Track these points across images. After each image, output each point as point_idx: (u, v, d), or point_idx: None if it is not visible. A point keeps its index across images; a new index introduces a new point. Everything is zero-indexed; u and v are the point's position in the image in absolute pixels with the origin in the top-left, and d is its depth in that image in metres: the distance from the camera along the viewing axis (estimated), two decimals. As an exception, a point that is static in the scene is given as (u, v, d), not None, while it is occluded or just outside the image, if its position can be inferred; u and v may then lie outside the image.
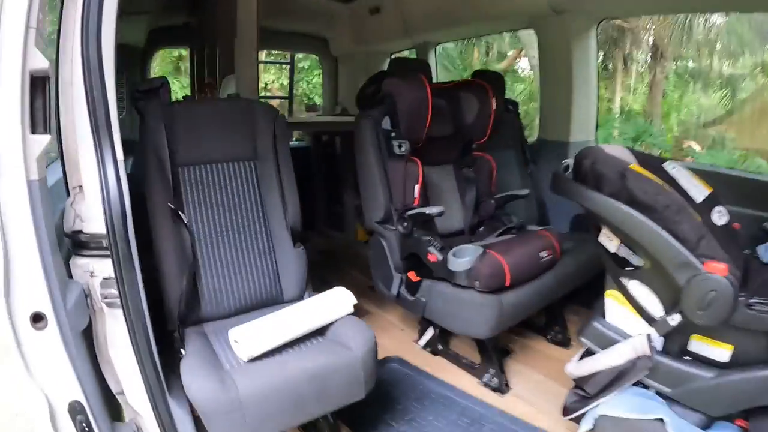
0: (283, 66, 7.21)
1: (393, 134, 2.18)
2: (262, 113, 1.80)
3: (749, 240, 1.70)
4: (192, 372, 1.35)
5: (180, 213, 1.59)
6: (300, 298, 1.77)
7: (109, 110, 1.16)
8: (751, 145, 8.31)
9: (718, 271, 1.20)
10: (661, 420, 1.26)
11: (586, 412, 1.37)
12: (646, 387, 1.38)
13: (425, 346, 2.31)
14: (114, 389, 1.34)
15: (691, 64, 9.35)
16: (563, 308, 2.40)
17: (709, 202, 1.47)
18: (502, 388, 2.02)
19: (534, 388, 2.05)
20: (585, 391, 1.40)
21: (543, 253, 2.05)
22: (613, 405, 1.32)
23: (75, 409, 1.17)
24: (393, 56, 4.07)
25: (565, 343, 2.35)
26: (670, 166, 1.52)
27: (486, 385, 2.05)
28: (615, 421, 1.31)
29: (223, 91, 2.35)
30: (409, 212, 2.09)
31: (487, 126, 2.39)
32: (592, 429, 1.36)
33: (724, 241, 1.34)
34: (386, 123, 2.19)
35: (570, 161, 1.57)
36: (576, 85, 2.80)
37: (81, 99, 1.15)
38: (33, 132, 1.08)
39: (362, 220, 2.84)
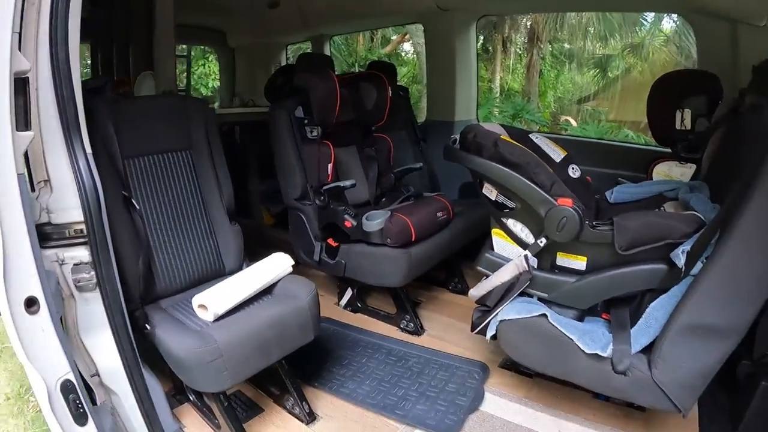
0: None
1: (306, 121, 2.53)
2: (195, 107, 2.05)
3: (604, 188, 2.26)
4: (170, 335, 1.59)
5: (133, 201, 1.77)
6: (239, 269, 2.04)
7: (77, 107, 1.32)
8: (620, 117, 9.62)
9: (566, 203, 1.71)
10: (545, 315, 1.74)
11: (489, 322, 1.84)
12: (530, 295, 1.87)
13: (346, 306, 2.73)
14: (85, 373, 1.45)
15: (566, 46, 10.46)
16: (459, 263, 2.92)
17: (565, 162, 1.98)
18: (418, 331, 2.48)
19: (444, 328, 2.54)
20: (486, 305, 1.86)
21: (439, 214, 2.54)
22: (508, 312, 1.80)
23: (67, 388, 1.29)
24: (288, 47, 4.37)
25: (464, 291, 2.86)
26: (533, 137, 2.02)
27: (404, 330, 2.51)
28: (511, 323, 1.79)
29: (138, 89, 2.49)
30: (326, 187, 2.48)
31: (384, 111, 2.81)
32: (495, 334, 1.83)
33: (578, 188, 1.86)
34: (299, 112, 2.54)
35: (456, 137, 2.02)
36: (459, 72, 3.32)
37: (47, 98, 1.28)
38: (18, 129, 1.20)
39: (268, 204, 3.20)
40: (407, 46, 10.82)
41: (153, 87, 2.44)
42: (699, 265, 1.58)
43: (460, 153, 1.93)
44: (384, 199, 2.86)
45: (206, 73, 8.51)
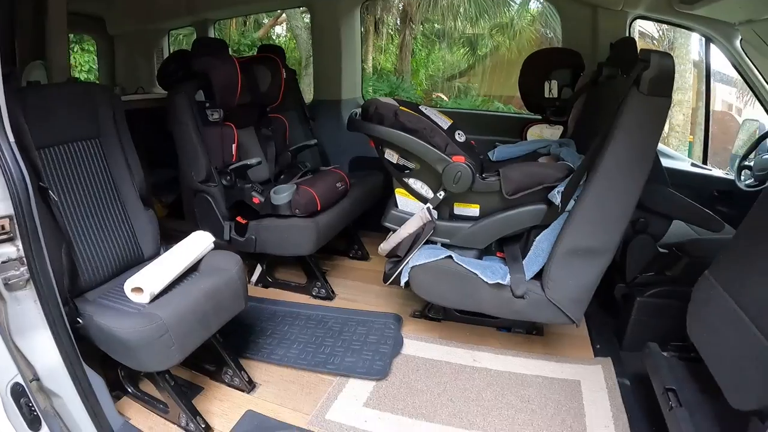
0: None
1: (207, 105, 2.63)
2: (101, 94, 2.07)
3: (486, 150, 2.64)
4: (112, 321, 1.61)
5: (50, 193, 1.74)
6: (158, 254, 2.07)
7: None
8: (489, 92, 10.50)
9: (459, 160, 2.07)
10: (450, 257, 2.09)
11: (402, 270, 2.14)
12: (434, 243, 2.22)
13: (257, 283, 2.88)
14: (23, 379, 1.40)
15: (437, 26, 11.09)
16: (357, 232, 3.22)
17: (452, 129, 2.31)
18: (330, 296, 2.73)
19: (353, 291, 2.82)
20: (397, 256, 2.16)
21: (338, 184, 2.80)
22: (418, 258, 2.12)
23: (17, 392, 1.28)
24: (171, 32, 4.34)
25: (365, 257, 3.19)
26: (422, 108, 2.33)
27: (317, 296, 2.74)
28: (422, 268, 2.11)
29: (26, 79, 2.41)
30: (232, 166, 2.62)
31: (279, 92, 3.00)
32: (408, 280, 2.13)
33: (465, 149, 2.20)
34: (200, 96, 2.63)
35: (358, 110, 2.31)
36: (344, 53, 3.57)
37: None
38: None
39: (159, 196, 3.24)
40: (279, 30, 10.94)
41: (45, 76, 2.37)
42: (572, 203, 2.00)
43: (364, 123, 2.21)
44: (283, 177, 3.05)
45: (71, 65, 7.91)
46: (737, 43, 2.83)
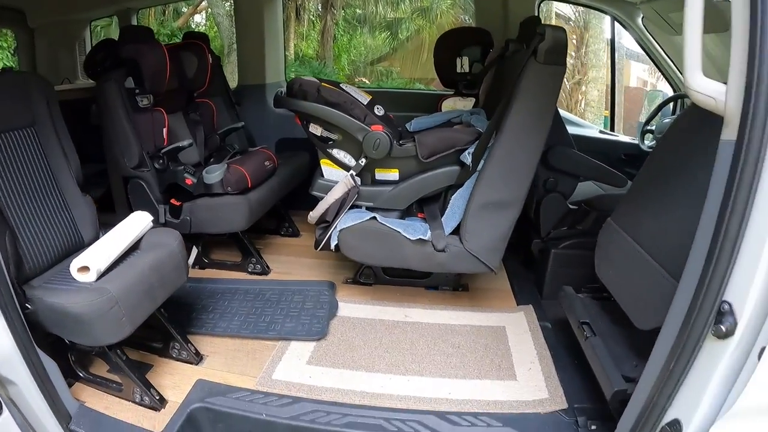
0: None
1: (137, 91, 2.71)
2: (35, 83, 2.08)
3: (403, 123, 2.85)
4: (63, 298, 1.64)
5: None
6: (97, 239, 2.08)
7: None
8: (411, 75, 10.84)
9: (378, 129, 2.30)
10: (375, 218, 2.32)
11: (331, 234, 2.33)
12: (359, 207, 2.43)
13: (194, 265, 2.96)
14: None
15: (358, 11, 11.31)
16: (287, 210, 3.38)
17: (371, 103, 2.50)
18: (265, 271, 2.88)
19: (286, 265, 2.97)
20: (326, 221, 2.36)
21: (267, 163, 2.95)
22: (345, 222, 2.32)
23: None
24: (92, 23, 4.33)
25: (296, 234, 3.37)
26: (343, 85, 2.51)
27: (252, 272, 2.88)
28: (349, 230, 2.32)
29: None
30: (164, 150, 2.71)
31: (206, 77, 3.11)
32: (337, 243, 2.33)
33: (384, 121, 2.42)
34: (129, 83, 2.70)
35: (283, 89, 2.50)
36: (268, 37, 3.70)
37: None
38: None
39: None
40: (198, 18, 10.93)
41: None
42: (482, 162, 2.26)
43: (289, 100, 2.40)
44: (212, 160, 3.15)
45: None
46: (639, 21, 3.24)
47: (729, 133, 1.07)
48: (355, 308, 2.51)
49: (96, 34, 5.20)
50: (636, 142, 3.52)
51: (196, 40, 3.20)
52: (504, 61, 2.76)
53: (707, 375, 1.15)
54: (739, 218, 1.05)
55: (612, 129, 4.25)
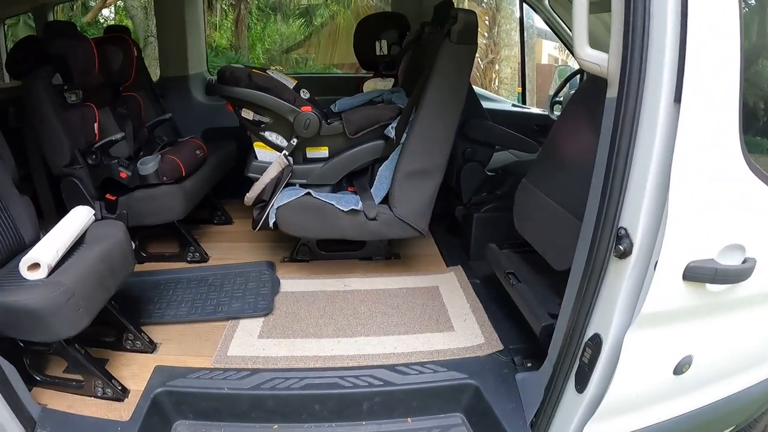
0: None
1: (65, 87, 2.67)
2: None
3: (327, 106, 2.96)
4: (17, 295, 1.61)
5: None
6: (38, 239, 2.00)
7: None
8: (327, 61, 10.89)
9: (307, 109, 2.44)
10: (309, 193, 2.46)
11: (269, 212, 2.44)
12: (293, 185, 2.56)
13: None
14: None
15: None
16: (218, 198, 3.42)
17: (297, 87, 2.62)
18: (204, 258, 2.91)
19: (223, 251, 3.02)
20: (263, 200, 2.47)
21: (197, 152, 2.98)
22: (281, 199, 2.45)
23: None
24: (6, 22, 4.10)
25: (229, 221, 3.41)
26: (269, 72, 2.62)
27: (192, 261, 2.90)
28: (286, 207, 2.45)
29: None
30: (97, 145, 2.68)
31: (131, 70, 3.10)
32: (275, 221, 2.45)
33: (310, 103, 2.54)
34: (57, 79, 2.64)
35: (214, 78, 2.56)
36: (189, 28, 3.68)
37: None
38: None
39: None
40: (106, 12, 10.47)
41: None
42: (404, 136, 2.45)
43: (222, 86, 2.49)
44: (142, 153, 3.13)
45: None
46: (546, 1, 3.58)
47: (612, 91, 1.32)
48: (296, 283, 2.62)
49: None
50: (545, 113, 3.86)
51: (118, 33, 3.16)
52: (420, 43, 2.95)
53: (615, 291, 1.38)
54: (624, 158, 1.30)
55: (524, 102, 4.60)
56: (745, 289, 1.44)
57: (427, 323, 2.30)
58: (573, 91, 3.55)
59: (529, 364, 2.00)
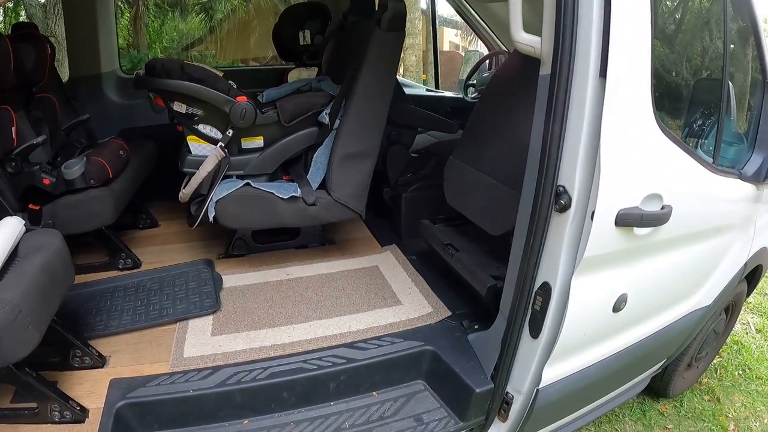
0: None
1: None
2: None
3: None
4: None
5: None
6: None
7: None
8: (229, 57, 10.67)
9: (242, 99, 2.45)
10: (248, 183, 2.48)
11: (208, 206, 2.44)
12: (230, 177, 2.57)
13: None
14: None
15: None
16: (142, 201, 3.28)
17: (225, 78, 2.60)
18: (137, 263, 2.80)
19: (155, 254, 2.92)
20: (201, 195, 2.46)
21: (121, 152, 2.86)
22: (220, 192, 2.45)
23: None
24: None
25: (155, 224, 3.27)
26: (195, 64, 2.59)
27: (124, 268, 2.77)
28: (225, 199, 2.45)
29: None
30: (16, 151, 2.49)
31: (45, 69, 2.89)
32: (215, 215, 2.44)
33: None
34: None
35: (141, 71, 2.53)
36: (100, 24, 3.49)
37: None
38: None
39: None
40: None
41: None
42: (338, 121, 2.55)
43: (153, 79, 2.43)
44: (60, 159, 2.97)
45: None
46: None
47: (545, 69, 1.53)
48: (238, 278, 2.62)
49: None
50: (459, 96, 4.09)
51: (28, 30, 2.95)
52: (344, 32, 3.08)
53: (559, 241, 1.58)
54: (560, 126, 1.50)
55: (437, 87, 4.84)
56: (665, 232, 1.71)
57: (375, 300, 2.41)
58: (486, 74, 3.82)
59: (476, 326, 2.17)
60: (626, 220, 1.56)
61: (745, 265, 2.51)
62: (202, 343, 2.14)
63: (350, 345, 2.08)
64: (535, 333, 1.70)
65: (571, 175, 1.51)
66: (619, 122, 1.48)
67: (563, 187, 1.53)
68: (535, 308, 1.69)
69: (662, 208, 1.64)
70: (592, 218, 1.50)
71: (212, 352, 2.08)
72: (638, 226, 1.61)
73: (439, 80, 5.05)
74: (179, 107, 2.48)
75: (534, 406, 1.79)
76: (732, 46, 2.22)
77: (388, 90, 2.60)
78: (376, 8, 2.86)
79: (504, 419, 1.89)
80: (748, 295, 3.01)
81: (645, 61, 1.51)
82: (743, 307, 3.80)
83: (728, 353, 3.37)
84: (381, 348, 2.05)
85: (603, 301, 1.74)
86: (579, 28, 1.42)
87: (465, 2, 3.81)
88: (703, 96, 2.17)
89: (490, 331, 1.97)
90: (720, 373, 3.18)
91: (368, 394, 1.99)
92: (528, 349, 1.75)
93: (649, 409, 2.80)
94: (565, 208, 1.53)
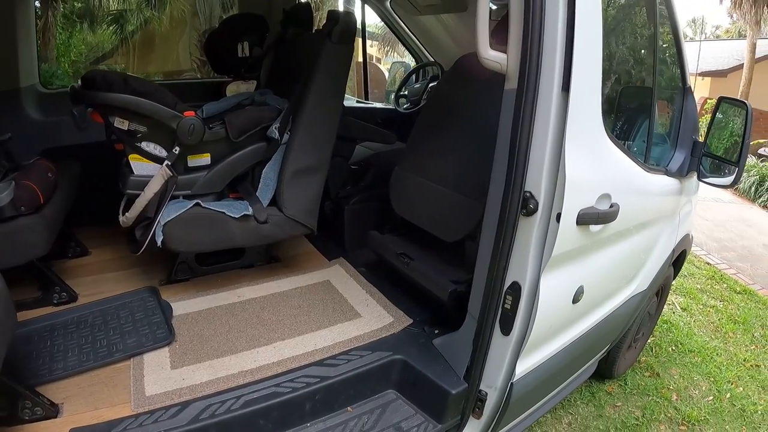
0: None
1: None
2: None
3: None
4: None
5: None
6: None
7: None
8: (141, 70, 10.24)
9: (190, 114, 2.40)
10: (198, 204, 2.45)
11: (155, 230, 2.36)
12: (177, 197, 2.51)
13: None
14: None
15: (78, 4, 10.29)
16: (70, 227, 3.07)
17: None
18: (73, 296, 2.61)
19: (91, 285, 2.74)
20: (147, 218, 2.40)
21: (49, 174, 2.68)
22: (168, 215, 2.38)
23: None
24: None
25: (85, 252, 3.08)
26: (131, 78, 2.49)
27: (60, 302, 2.57)
28: (174, 221, 2.39)
29: None
30: None
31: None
32: (163, 237, 2.37)
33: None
34: None
35: (77, 85, 2.39)
36: (20, 34, 3.23)
37: None
38: None
39: None
40: None
41: None
42: (287, 135, 2.58)
43: (92, 93, 2.30)
44: None
45: None
46: (388, 4, 3.93)
47: (511, 84, 1.69)
48: (186, 304, 2.54)
49: None
50: (389, 107, 4.24)
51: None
52: (285, 44, 3.10)
53: (527, 243, 1.73)
54: (526, 137, 1.65)
55: (366, 98, 4.96)
56: (612, 227, 1.92)
57: (334, 315, 2.45)
58: (417, 85, 4.00)
59: (437, 331, 2.27)
60: (585, 219, 1.75)
61: (673, 251, 2.80)
62: (163, 379, 2.04)
63: (320, 363, 2.10)
64: (506, 330, 1.83)
65: (538, 182, 1.66)
66: (579, 131, 1.66)
67: (530, 192, 1.67)
68: (505, 307, 1.82)
69: (611, 206, 1.84)
70: (558, 220, 1.66)
71: (176, 386, 1.99)
72: (594, 224, 1.80)
73: (359, 92, 5.19)
74: (120, 123, 2.37)
75: (510, 399, 1.93)
76: (661, 57, 2.51)
77: (338, 103, 2.66)
78: (313, 21, 2.92)
79: (478, 416, 2.01)
80: (674, 278, 3.34)
81: (597, 75, 1.71)
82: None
83: (660, 332, 3.73)
84: (351, 362, 2.09)
85: (565, 294, 1.92)
86: (544, 47, 1.58)
87: (395, 15, 3.94)
88: (634, 102, 2.45)
89: (458, 333, 2.08)
90: (656, 351, 3.52)
91: (343, 410, 2.02)
92: (500, 346, 1.88)
93: (597, 390, 3.06)
94: (532, 212, 1.68)
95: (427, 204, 2.50)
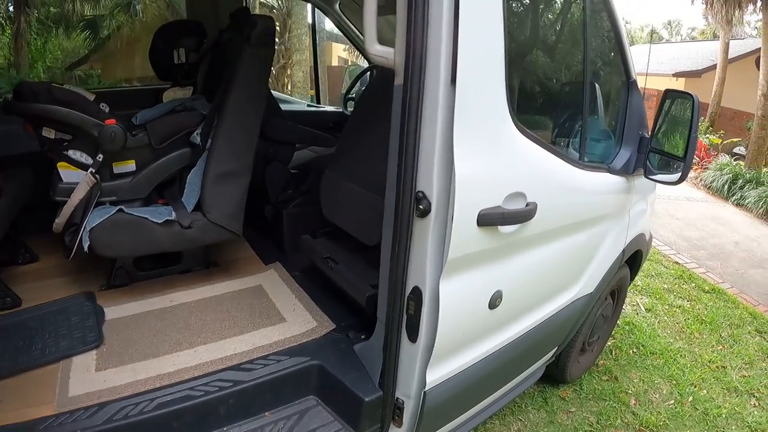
0: None
1: None
2: None
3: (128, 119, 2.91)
4: None
5: None
6: None
7: None
8: (115, 76, 10.31)
9: (111, 122, 2.39)
10: (121, 210, 2.43)
11: (82, 235, 2.35)
12: (103, 204, 2.50)
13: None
14: None
15: (53, 9, 10.31)
16: (18, 235, 3.07)
17: (96, 101, 2.53)
18: (17, 301, 2.57)
19: (36, 291, 2.71)
20: (75, 224, 2.39)
21: None
22: (93, 221, 2.37)
23: None
24: None
25: (34, 258, 3.06)
26: (66, 86, 2.50)
27: (3, 307, 2.53)
28: (99, 227, 2.38)
29: None
30: None
31: None
32: (90, 243, 2.36)
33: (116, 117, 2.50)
34: None
35: (9, 96, 2.44)
36: None
37: None
38: None
39: None
40: None
41: None
42: (210, 141, 2.56)
43: (19, 104, 2.33)
44: None
45: None
46: (337, 6, 3.91)
47: (398, 80, 1.61)
48: (120, 309, 2.54)
49: None
50: (340, 110, 4.22)
51: None
52: (219, 49, 3.07)
53: (423, 246, 1.66)
54: (414, 133, 1.58)
55: (319, 102, 4.95)
56: (534, 227, 1.85)
57: (259, 320, 2.43)
58: (364, 88, 3.94)
59: (362, 336, 2.22)
60: (488, 220, 1.66)
61: (623, 251, 2.72)
62: (87, 380, 2.06)
63: (236, 367, 2.07)
64: (413, 337, 1.77)
65: (429, 181, 1.59)
66: (473, 127, 1.58)
67: (422, 192, 1.61)
68: (409, 313, 1.76)
69: (527, 205, 1.76)
70: (452, 221, 1.58)
71: (97, 388, 2.01)
72: (501, 225, 1.72)
73: (321, 95, 5.18)
74: (48, 133, 2.40)
75: (423, 408, 1.86)
76: (596, 49, 2.43)
77: (258, 107, 2.63)
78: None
79: (399, 425, 1.95)
80: (632, 279, 3.25)
81: (498, 68, 1.62)
82: (632, 290, 4.12)
83: (621, 334, 3.64)
84: (267, 367, 2.06)
85: (477, 299, 1.84)
86: (429, 39, 1.51)
87: (344, 16, 3.91)
88: (568, 99, 2.36)
89: (372, 340, 2.04)
90: (615, 354, 3.43)
91: (261, 415, 1.99)
92: (409, 353, 1.82)
93: (550, 395, 2.98)
94: (425, 213, 1.61)
95: (350, 206, 2.48)
